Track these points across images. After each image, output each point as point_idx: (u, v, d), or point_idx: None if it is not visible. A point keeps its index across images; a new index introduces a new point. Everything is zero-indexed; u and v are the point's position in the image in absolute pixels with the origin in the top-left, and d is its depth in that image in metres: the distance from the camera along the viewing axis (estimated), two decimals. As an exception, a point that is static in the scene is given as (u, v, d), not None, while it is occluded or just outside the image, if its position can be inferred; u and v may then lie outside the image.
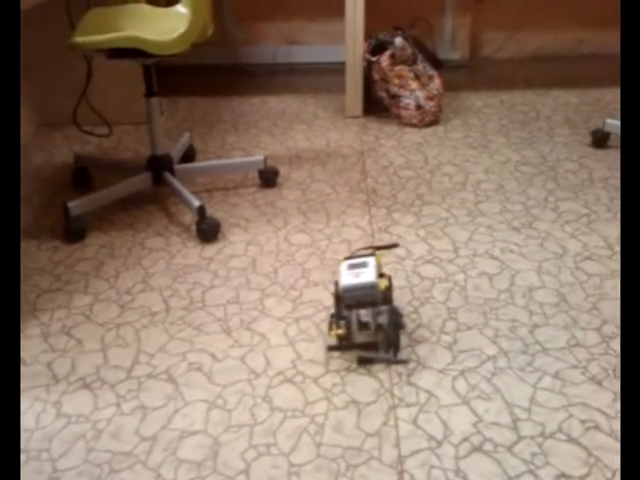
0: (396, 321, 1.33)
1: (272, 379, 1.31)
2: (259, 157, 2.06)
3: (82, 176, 2.11)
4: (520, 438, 1.16)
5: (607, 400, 1.23)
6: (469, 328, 1.43)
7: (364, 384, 1.29)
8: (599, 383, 1.27)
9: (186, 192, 1.84)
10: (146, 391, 1.29)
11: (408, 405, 1.23)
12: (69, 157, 2.33)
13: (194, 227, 1.83)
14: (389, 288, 1.34)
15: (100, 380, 1.32)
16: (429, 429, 1.18)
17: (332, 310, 1.49)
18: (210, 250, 1.75)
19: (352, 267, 1.35)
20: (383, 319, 1.32)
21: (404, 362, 1.33)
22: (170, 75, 3.06)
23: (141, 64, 1.84)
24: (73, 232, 1.80)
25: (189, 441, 1.18)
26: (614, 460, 1.11)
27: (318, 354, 1.37)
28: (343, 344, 1.36)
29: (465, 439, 1.16)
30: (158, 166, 1.93)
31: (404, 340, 1.39)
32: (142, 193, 2.03)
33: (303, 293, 1.57)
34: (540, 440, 1.15)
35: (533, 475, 1.09)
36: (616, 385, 1.26)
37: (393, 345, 1.34)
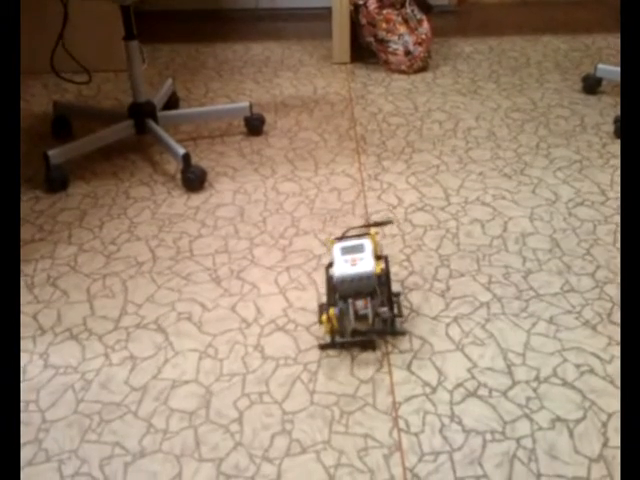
0: (398, 311, 1.26)
1: (263, 328, 1.29)
2: (244, 103, 2.00)
3: (62, 125, 2.04)
4: (515, 383, 1.15)
5: (601, 344, 1.22)
6: (462, 275, 1.41)
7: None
8: (593, 328, 1.26)
9: (170, 140, 1.78)
10: (135, 341, 1.26)
11: (402, 352, 1.22)
12: (48, 106, 2.25)
13: (179, 176, 1.78)
14: (386, 271, 1.24)
15: (87, 331, 1.29)
16: (423, 375, 1.17)
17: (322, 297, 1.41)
18: (196, 199, 1.71)
19: (346, 251, 1.22)
20: (384, 311, 1.21)
21: (402, 333, 1.25)
22: (150, 22, 2.95)
23: (119, 5, 1.77)
24: (54, 181, 1.75)
25: (180, 390, 1.16)
26: (609, 403, 1.11)
27: (310, 302, 1.35)
28: (337, 341, 1.23)
29: (459, 385, 1.15)
30: (140, 113, 1.87)
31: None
32: (125, 141, 1.97)
33: (293, 242, 1.54)
34: (535, 385, 1.15)
35: (528, 419, 1.08)
36: (610, 329, 1.26)
37: (389, 324, 1.25)
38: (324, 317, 1.19)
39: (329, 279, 1.23)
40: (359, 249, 1.23)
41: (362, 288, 1.20)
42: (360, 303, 1.21)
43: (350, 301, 1.21)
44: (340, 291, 1.21)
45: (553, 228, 1.55)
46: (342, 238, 1.27)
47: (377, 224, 1.32)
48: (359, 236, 1.27)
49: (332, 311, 1.18)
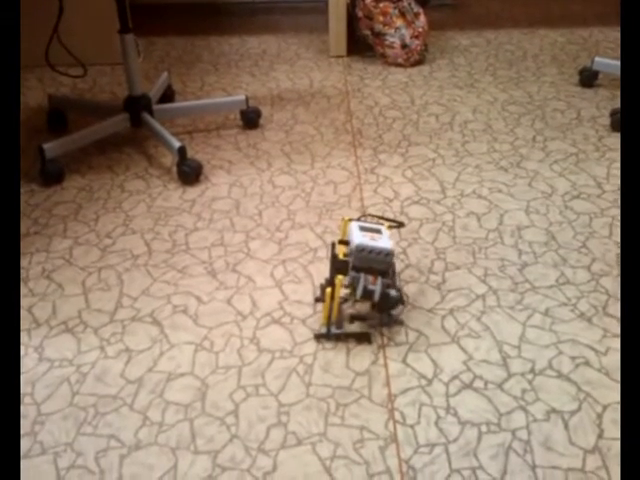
0: (400, 298, 1.25)
1: (259, 320, 1.29)
2: (241, 96, 1.99)
3: (57, 118, 2.04)
4: (510, 375, 1.15)
5: (597, 336, 1.23)
6: (458, 268, 1.41)
7: (352, 324, 1.27)
8: (589, 320, 1.26)
9: (166, 133, 1.78)
10: (130, 334, 1.26)
11: (397, 344, 1.22)
12: (43, 100, 2.24)
13: (175, 169, 1.78)
14: (392, 264, 1.24)
15: (83, 324, 1.29)
16: (419, 367, 1.17)
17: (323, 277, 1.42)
18: (192, 192, 1.71)
19: (365, 230, 1.23)
20: (393, 294, 1.21)
21: (399, 323, 1.26)
22: (146, 15, 2.95)
23: (115, -2, 1.76)
24: (49, 175, 1.74)
25: (176, 383, 1.16)
26: (604, 395, 1.11)
27: (306, 295, 1.35)
28: (332, 332, 1.24)
29: (455, 377, 1.15)
30: (136, 106, 1.87)
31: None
32: (120, 135, 1.97)
33: (289, 235, 1.54)
34: (530, 377, 1.15)
35: (524, 411, 1.09)
36: (605, 322, 1.26)
37: (387, 313, 1.26)
38: (328, 290, 1.19)
39: (334, 256, 1.23)
40: (377, 231, 1.24)
41: (377, 264, 1.20)
42: (370, 279, 1.21)
43: (362, 275, 1.21)
44: (355, 260, 1.20)
45: (549, 221, 1.55)
46: (358, 220, 1.28)
47: (389, 221, 1.32)
48: (375, 223, 1.28)
49: (340, 278, 1.18)
